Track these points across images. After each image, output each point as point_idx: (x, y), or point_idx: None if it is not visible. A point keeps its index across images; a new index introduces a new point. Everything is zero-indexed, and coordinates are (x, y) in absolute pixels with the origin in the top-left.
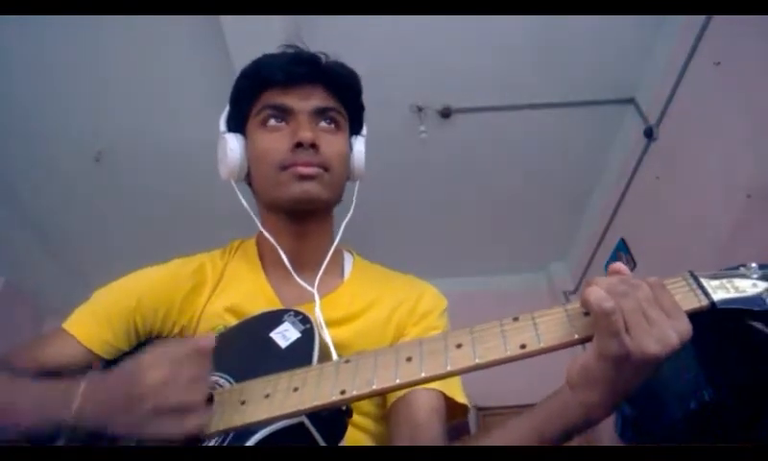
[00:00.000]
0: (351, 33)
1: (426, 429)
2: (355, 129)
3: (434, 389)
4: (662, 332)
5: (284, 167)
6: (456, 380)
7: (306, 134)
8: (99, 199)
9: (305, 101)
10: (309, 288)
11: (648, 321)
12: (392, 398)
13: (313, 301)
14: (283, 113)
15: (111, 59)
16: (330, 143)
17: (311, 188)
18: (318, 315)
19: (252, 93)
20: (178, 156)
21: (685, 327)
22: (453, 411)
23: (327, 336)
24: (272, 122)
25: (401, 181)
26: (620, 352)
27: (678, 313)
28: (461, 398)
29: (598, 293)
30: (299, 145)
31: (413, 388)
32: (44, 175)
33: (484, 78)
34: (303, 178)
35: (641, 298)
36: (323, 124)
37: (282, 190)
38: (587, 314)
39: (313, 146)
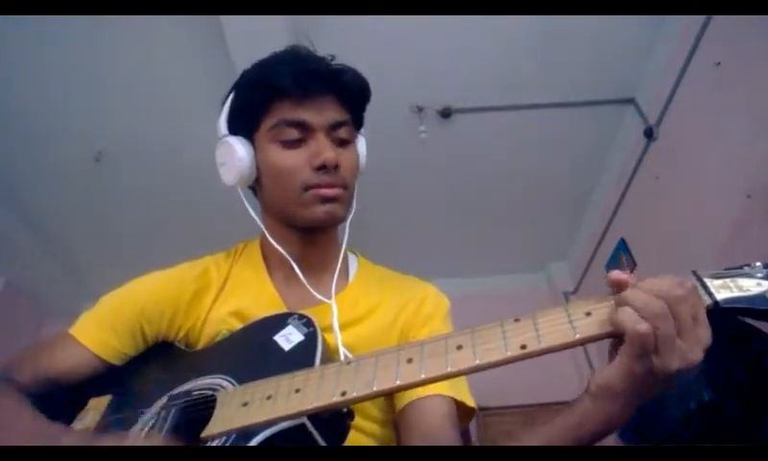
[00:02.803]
0: (351, 33)
1: (441, 436)
2: (357, 126)
3: (444, 394)
4: (690, 349)
5: (307, 188)
6: (464, 383)
7: (330, 156)
8: (99, 199)
9: (322, 115)
10: (324, 298)
11: (682, 338)
12: (400, 404)
13: (319, 303)
14: (300, 129)
15: (111, 59)
16: (347, 159)
17: (334, 210)
18: (335, 321)
19: (264, 103)
20: (178, 156)
21: (709, 337)
22: (461, 415)
23: (339, 336)
24: (290, 138)
25: (401, 181)
26: (645, 372)
27: (704, 321)
28: (470, 401)
29: (632, 316)
30: (322, 166)
31: (423, 394)
32: (44, 175)
33: (484, 78)
34: (327, 200)
35: (683, 318)
36: (337, 138)
37: (305, 211)
38: (588, 314)
39: (335, 167)
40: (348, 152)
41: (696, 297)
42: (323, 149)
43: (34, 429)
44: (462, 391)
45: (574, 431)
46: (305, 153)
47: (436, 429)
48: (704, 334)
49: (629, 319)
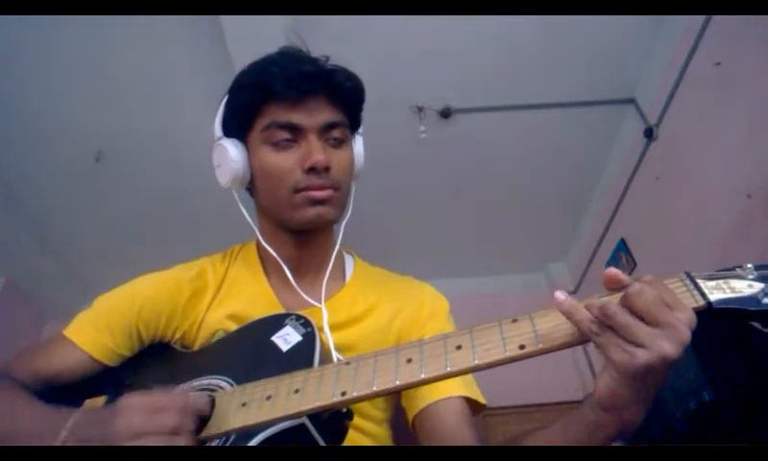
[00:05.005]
0: (351, 33)
1: (460, 437)
2: (353, 127)
3: (460, 395)
4: (675, 330)
5: (298, 190)
6: (473, 380)
7: (320, 158)
8: (99, 199)
9: (314, 117)
10: (315, 303)
11: (660, 324)
12: (416, 406)
13: (315, 305)
14: (292, 131)
15: (112, 59)
16: (339, 160)
17: (325, 212)
18: (325, 325)
19: (256, 105)
20: (178, 156)
21: (692, 316)
22: (472, 411)
23: (331, 341)
24: (281, 141)
25: (401, 181)
26: (637, 365)
27: (681, 304)
28: (482, 398)
29: (585, 323)
30: (312, 168)
31: (439, 396)
32: (44, 175)
33: (484, 78)
34: (317, 202)
35: (647, 309)
36: (330, 140)
37: (296, 213)
38: None
39: (326, 169)
40: (342, 153)
41: (661, 285)
42: (313, 151)
43: (41, 415)
44: (473, 389)
45: (585, 442)
46: (296, 155)
47: (455, 431)
48: (684, 315)
49: (584, 323)
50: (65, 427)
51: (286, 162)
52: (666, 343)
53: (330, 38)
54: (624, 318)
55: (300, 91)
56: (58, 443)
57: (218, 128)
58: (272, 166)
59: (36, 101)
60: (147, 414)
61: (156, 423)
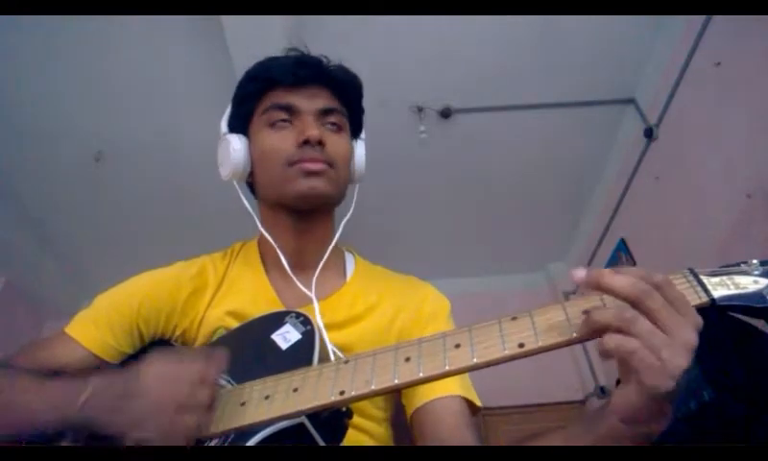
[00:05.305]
0: (351, 33)
1: (459, 437)
2: (355, 132)
3: (457, 395)
4: (686, 338)
5: (291, 163)
6: (469, 382)
7: (313, 132)
8: (99, 199)
9: (311, 101)
10: (308, 293)
11: (670, 335)
12: (413, 405)
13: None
14: (289, 113)
15: (112, 58)
16: (335, 142)
17: (318, 184)
18: (318, 318)
19: (257, 93)
20: (178, 156)
21: (698, 320)
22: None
23: (327, 338)
24: (278, 121)
25: (401, 181)
26: (663, 389)
27: (688, 308)
28: (477, 400)
29: (619, 340)
30: (306, 142)
31: (436, 395)
32: (44, 175)
33: (484, 78)
34: (310, 174)
35: (657, 311)
36: (327, 125)
37: (289, 186)
38: (585, 312)
39: (320, 143)
40: (338, 137)
41: (668, 284)
42: (307, 127)
43: (53, 390)
44: (470, 390)
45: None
46: (292, 134)
47: (453, 430)
48: (691, 317)
49: (616, 345)
50: (84, 391)
51: (282, 141)
52: (681, 357)
53: (331, 39)
54: (659, 299)
55: (298, 76)
56: (76, 409)
57: (224, 125)
58: (268, 145)
59: (36, 101)
60: (175, 364)
61: (186, 372)
